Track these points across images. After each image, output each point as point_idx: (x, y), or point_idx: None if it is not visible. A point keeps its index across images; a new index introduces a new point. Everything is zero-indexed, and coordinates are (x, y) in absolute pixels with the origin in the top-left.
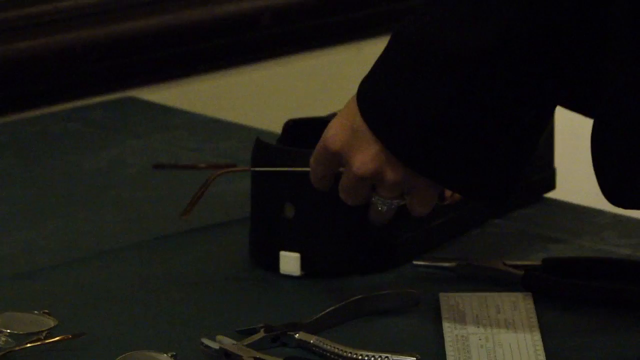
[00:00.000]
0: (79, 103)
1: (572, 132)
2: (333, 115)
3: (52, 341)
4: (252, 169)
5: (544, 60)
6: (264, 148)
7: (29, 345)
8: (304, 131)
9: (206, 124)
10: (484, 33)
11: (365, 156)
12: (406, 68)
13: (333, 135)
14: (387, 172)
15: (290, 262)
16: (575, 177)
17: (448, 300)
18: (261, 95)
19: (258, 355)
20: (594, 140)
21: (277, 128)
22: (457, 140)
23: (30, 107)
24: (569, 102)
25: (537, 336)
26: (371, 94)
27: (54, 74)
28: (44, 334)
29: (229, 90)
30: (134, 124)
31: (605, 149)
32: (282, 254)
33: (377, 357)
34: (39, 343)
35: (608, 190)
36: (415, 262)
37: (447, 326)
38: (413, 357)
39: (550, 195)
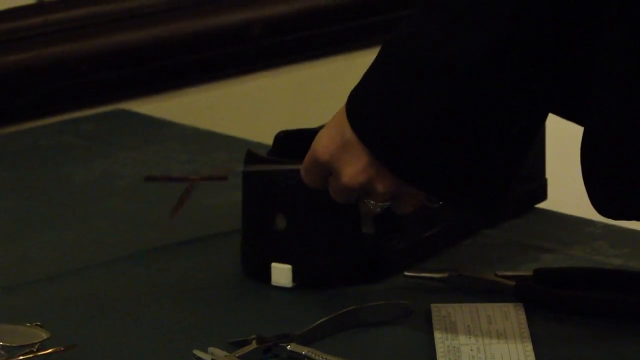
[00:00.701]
0: (70, 115)
1: (563, 142)
2: (323, 126)
3: (45, 353)
4: (241, 169)
5: (535, 70)
6: (255, 160)
7: (21, 357)
8: (295, 142)
9: (198, 136)
10: (476, 44)
11: (355, 169)
12: (397, 79)
13: (323, 147)
14: (376, 183)
15: (281, 273)
16: (566, 187)
17: (439, 311)
18: (252, 107)
19: None
20: (584, 151)
21: (268, 139)
22: (448, 151)
23: (21, 119)
24: (563, 110)
25: (529, 347)
26: (361, 105)
27: (45, 86)
28: (36, 346)
29: (220, 102)
30: (125, 136)
31: (594, 159)
32: (274, 265)
33: None
34: (31, 355)
35: (597, 200)
36: (406, 273)
37: (438, 337)
38: None
39: (542, 205)
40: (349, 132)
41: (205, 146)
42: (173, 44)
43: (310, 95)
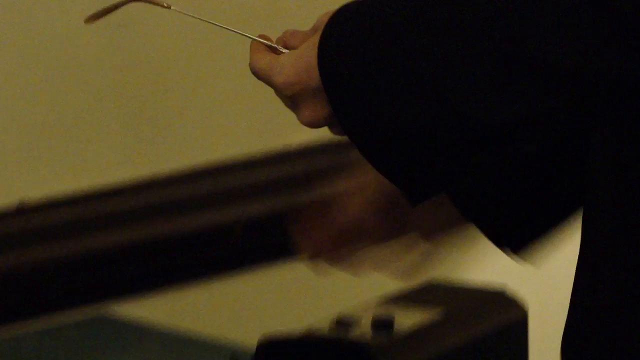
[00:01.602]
0: (52, 320)
1: (547, 335)
2: (307, 333)
3: None
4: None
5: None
6: None
7: None
8: (279, 348)
9: (180, 342)
10: (499, 111)
11: (316, 114)
12: (390, 79)
13: (288, 83)
14: (332, 128)
15: None
16: None
17: None
18: (236, 307)
19: None
20: (565, 342)
21: (253, 339)
22: (417, 150)
23: (1, 325)
24: None
25: None
26: (339, 68)
27: (26, 291)
28: None
29: (204, 302)
30: (107, 345)
31: (575, 348)
32: None
33: None
34: None
35: None
36: None
37: None
38: None
39: None
40: (319, 82)
41: (188, 353)
42: (154, 246)
43: (294, 295)
